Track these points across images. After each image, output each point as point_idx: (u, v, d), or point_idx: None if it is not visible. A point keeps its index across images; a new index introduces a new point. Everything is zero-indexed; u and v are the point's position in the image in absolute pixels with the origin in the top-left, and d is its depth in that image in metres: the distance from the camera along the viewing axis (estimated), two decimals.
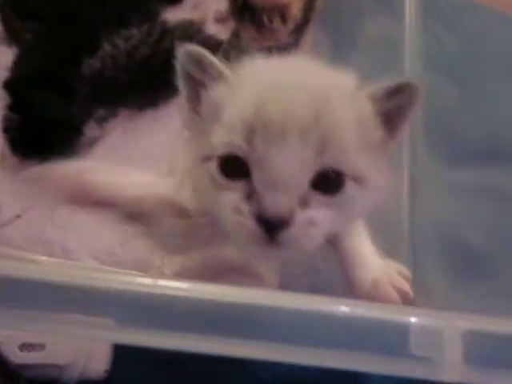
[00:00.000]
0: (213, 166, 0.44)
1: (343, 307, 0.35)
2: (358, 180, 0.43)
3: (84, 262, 0.90)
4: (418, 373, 0.34)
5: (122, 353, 0.72)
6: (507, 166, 0.74)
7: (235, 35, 1.02)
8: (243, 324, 0.35)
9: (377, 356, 0.34)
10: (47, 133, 0.91)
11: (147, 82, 0.98)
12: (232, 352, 0.36)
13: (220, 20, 1.04)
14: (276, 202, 0.39)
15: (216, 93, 0.46)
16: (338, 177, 0.41)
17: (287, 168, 0.40)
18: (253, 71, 0.47)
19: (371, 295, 0.49)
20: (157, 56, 0.98)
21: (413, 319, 0.35)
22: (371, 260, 0.52)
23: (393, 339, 0.35)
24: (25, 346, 0.73)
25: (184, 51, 0.47)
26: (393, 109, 0.45)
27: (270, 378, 0.63)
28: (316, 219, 0.41)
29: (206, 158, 0.45)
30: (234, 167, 0.43)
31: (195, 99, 0.48)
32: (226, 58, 1.03)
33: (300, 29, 0.98)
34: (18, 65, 0.94)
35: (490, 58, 0.81)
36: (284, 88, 0.43)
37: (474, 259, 0.59)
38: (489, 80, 0.80)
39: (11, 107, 0.91)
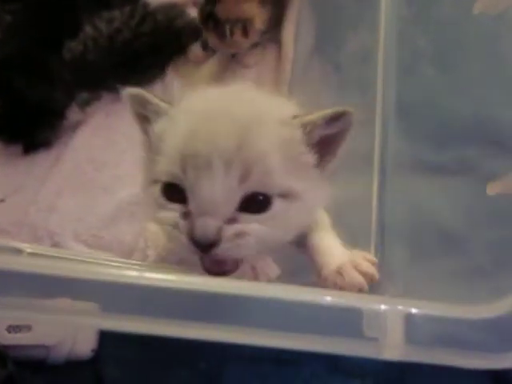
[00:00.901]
0: (157, 190, 0.50)
1: (308, 296, 0.39)
2: (287, 196, 0.48)
3: (69, 245, 0.91)
4: (366, 352, 0.38)
5: (108, 332, 0.73)
6: (485, 148, 0.76)
7: None
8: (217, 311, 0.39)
9: (333, 338, 0.37)
10: (29, 117, 0.91)
11: (130, 65, 0.98)
12: (211, 337, 0.40)
13: (197, 3, 1.04)
14: (204, 226, 0.45)
15: (158, 126, 0.52)
16: (264, 198, 0.46)
17: (213, 195, 0.45)
18: (190, 102, 0.52)
19: (337, 281, 0.51)
20: (139, 39, 0.98)
21: (363, 305, 0.38)
22: (335, 250, 0.55)
23: (347, 323, 0.38)
24: (12, 328, 0.74)
25: (128, 94, 0.53)
26: (330, 135, 0.50)
27: None
28: (245, 230, 0.46)
29: (153, 182, 0.51)
30: (174, 192, 0.48)
31: (145, 132, 0.55)
32: (205, 47, 1.04)
33: (271, 29, 1.00)
34: None
35: (470, 40, 0.83)
36: (211, 119, 0.47)
37: (444, 241, 0.61)
38: (469, 62, 0.81)
39: None
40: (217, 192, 0.44)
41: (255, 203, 0.46)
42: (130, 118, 0.99)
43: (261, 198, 0.46)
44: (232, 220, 0.46)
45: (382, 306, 0.38)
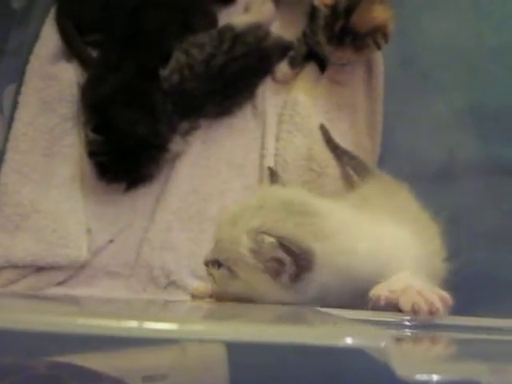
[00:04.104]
0: None
1: None
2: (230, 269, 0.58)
3: (185, 283, 0.88)
4: None
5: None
6: None
7: (303, 37, 1.00)
8: None
9: None
10: (134, 153, 0.87)
11: (224, 90, 0.95)
12: None
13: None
14: None
15: None
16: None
17: None
18: None
19: (397, 297, 0.49)
20: (232, 63, 0.95)
21: None
22: (403, 277, 0.53)
23: None
24: (147, 378, 0.71)
25: None
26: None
27: None
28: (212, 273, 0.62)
29: None
30: None
31: None
32: (293, 65, 1.01)
33: None
34: (96, 83, 0.89)
35: None
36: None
37: None
38: None
39: (95, 129, 0.86)
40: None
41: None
42: (228, 146, 0.97)
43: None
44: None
45: None
